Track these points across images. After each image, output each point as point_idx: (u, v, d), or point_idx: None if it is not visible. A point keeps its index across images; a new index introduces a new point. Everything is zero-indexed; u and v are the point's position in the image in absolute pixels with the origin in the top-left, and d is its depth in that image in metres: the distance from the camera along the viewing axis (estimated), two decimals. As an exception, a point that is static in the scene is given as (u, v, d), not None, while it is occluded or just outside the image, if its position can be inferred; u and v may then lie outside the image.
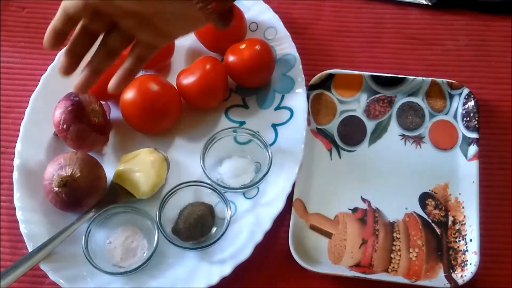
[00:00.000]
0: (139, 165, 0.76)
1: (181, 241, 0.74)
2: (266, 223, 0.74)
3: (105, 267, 0.72)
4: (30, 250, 0.72)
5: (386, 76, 0.83)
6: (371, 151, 0.81)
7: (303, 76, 0.83)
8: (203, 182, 0.76)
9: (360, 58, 0.88)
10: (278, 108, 0.83)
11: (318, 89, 0.84)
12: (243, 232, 0.75)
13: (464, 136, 0.81)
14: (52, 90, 0.82)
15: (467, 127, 0.81)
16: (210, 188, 0.76)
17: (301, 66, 0.83)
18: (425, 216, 0.77)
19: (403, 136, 0.82)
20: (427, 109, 0.83)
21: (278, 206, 0.75)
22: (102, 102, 0.81)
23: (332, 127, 0.83)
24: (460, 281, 0.71)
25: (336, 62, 0.87)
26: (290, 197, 0.76)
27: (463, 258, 0.73)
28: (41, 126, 0.80)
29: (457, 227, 0.76)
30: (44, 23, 0.89)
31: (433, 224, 0.76)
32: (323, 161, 0.80)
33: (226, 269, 0.72)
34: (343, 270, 0.73)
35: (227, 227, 0.74)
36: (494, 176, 0.79)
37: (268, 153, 0.77)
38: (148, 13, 0.60)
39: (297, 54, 0.84)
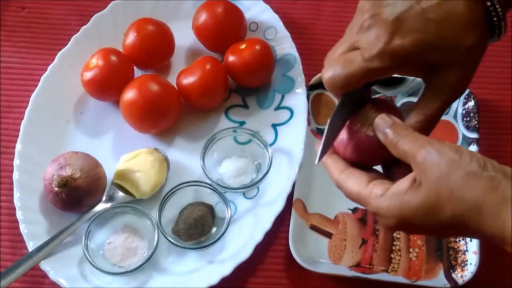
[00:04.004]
0: (139, 165, 0.76)
1: (181, 241, 0.74)
2: (266, 223, 0.74)
3: (105, 267, 0.72)
4: (30, 250, 0.73)
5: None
6: (371, 151, 0.81)
7: (303, 76, 0.83)
8: (203, 182, 0.76)
9: (360, 58, 0.88)
10: (278, 108, 0.83)
11: (318, 89, 0.84)
12: (243, 232, 0.75)
13: (464, 136, 0.81)
14: (52, 90, 0.82)
15: (467, 127, 0.81)
16: (210, 188, 0.76)
17: (301, 66, 0.83)
18: (425, 216, 0.77)
19: (403, 136, 0.82)
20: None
21: (278, 206, 0.75)
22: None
23: (332, 127, 0.83)
24: (460, 281, 0.71)
25: (336, 62, 0.87)
26: (290, 197, 0.76)
27: (463, 258, 0.73)
28: (41, 126, 0.80)
29: (457, 227, 0.76)
30: (44, 23, 0.90)
31: (433, 224, 0.76)
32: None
33: (226, 269, 0.72)
34: (343, 270, 0.73)
35: (227, 227, 0.74)
36: (494, 176, 0.79)
37: (268, 153, 0.77)
38: None
39: (297, 54, 0.84)
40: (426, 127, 0.56)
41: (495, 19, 0.54)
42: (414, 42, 0.53)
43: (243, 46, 0.81)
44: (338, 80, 0.57)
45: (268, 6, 0.87)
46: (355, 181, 0.55)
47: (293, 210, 0.76)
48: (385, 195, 0.53)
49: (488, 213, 0.48)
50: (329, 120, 0.57)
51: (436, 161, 0.50)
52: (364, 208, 0.77)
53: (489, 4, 0.54)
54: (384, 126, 0.55)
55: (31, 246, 0.73)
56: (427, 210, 0.50)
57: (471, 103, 0.81)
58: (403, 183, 0.52)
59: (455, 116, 0.82)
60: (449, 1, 0.54)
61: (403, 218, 0.52)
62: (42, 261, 0.72)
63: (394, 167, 0.56)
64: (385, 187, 0.53)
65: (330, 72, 0.57)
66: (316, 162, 0.57)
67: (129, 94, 0.78)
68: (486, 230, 0.48)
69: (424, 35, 0.53)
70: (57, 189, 0.72)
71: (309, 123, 0.81)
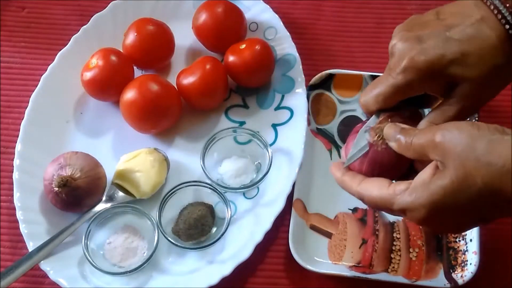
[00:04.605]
0: (139, 165, 0.76)
1: (181, 241, 0.74)
2: (266, 223, 0.74)
3: (105, 267, 0.72)
4: (30, 250, 0.73)
5: (386, 76, 0.83)
6: (371, 151, 0.81)
7: (303, 76, 0.83)
8: (203, 182, 0.76)
9: (360, 58, 0.88)
10: (278, 108, 0.83)
11: (318, 89, 0.84)
12: (243, 232, 0.75)
13: (464, 136, 0.81)
14: (52, 90, 0.82)
15: (467, 127, 0.81)
16: (210, 188, 0.76)
17: (301, 66, 0.83)
18: (425, 216, 0.77)
19: (403, 136, 0.82)
20: (427, 109, 0.83)
21: (278, 206, 0.75)
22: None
23: (332, 127, 0.83)
24: (460, 281, 0.71)
25: (336, 62, 0.87)
26: (290, 197, 0.76)
27: (463, 258, 0.73)
28: (41, 126, 0.80)
29: (457, 227, 0.76)
30: (44, 23, 0.90)
31: (433, 224, 0.76)
32: (323, 161, 0.80)
33: (226, 269, 0.72)
34: (343, 270, 0.73)
35: (227, 227, 0.74)
36: (494, 176, 0.79)
37: (268, 153, 0.77)
38: None
39: (297, 54, 0.84)
40: None
41: None
42: (436, 57, 0.56)
43: (243, 46, 0.81)
44: (369, 101, 0.60)
45: (268, 6, 0.87)
46: (376, 185, 0.56)
47: (293, 210, 0.76)
48: (409, 188, 0.53)
49: None
50: (359, 132, 0.60)
51: (456, 136, 0.50)
52: (365, 208, 0.77)
53: (508, 27, 0.56)
54: (394, 134, 0.56)
55: (31, 246, 0.73)
56: (457, 186, 0.50)
57: (471, 103, 0.81)
58: (426, 172, 0.52)
59: (455, 116, 0.82)
60: (474, 26, 0.56)
61: (433, 205, 0.51)
62: (42, 261, 0.72)
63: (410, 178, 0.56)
64: (408, 182, 0.53)
65: (364, 96, 0.61)
66: (344, 165, 0.60)
67: (129, 94, 0.78)
68: None
69: (445, 50, 0.56)
70: (57, 189, 0.72)
71: (309, 123, 0.81)
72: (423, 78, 0.57)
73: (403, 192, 0.53)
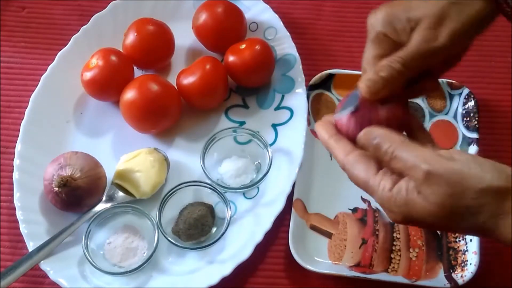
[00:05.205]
0: (139, 165, 0.76)
1: (181, 241, 0.74)
2: (266, 223, 0.74)
3: (105, 267, 0.72)
4: (30, 250, 0.73)
5: (386, 76, 0.83)
6: (371, 151, 0.81)
7: (303, 76, 0.83)
8: (203, 182, 0.76)
9: (360, 58, 0.87)
10: (278, 108, 0.83)
11: (318, 89, 0.84)
12: (243, 232, 0.75)
13: (464, 136, 0.81)
14: (52, 90, 0.82)
15: (467, 127, 0.81)
16: (210, 188, 0.76)
17: (301, 66, 0.83)
18: (425, 216, 0.77)
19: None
20: (427, 109, 0.83)
21: (278, 206, 0.75)
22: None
23: (332, 127, 0.83)
24: (460, 281, 0.71)
25: (336, 62, 0.87)
26: (290, 197, 0.76)
27: (463, 258, 0.73)
28: (41, 126, 0.80)
29: (457, 227, 0.76)
30: (44, 23, 0.90)
31: (433, 224, 0.76)
32: (323, 161, 0.80)
33: (226, 269, 0.72)
34: (343, 270, 0.73)
35: (227, 227, 0.74)
36: (494, 176, 0.79)
37: (268, 153, 0.77)
38: None
39: (297, 54, 0.84)
40: (391, 71, 0.57)
41: None
42: (396, 5, 0.59)
43: (243, 46, 0.81)
44: (362, 68, 0.62)
45: (268, 6, 0.87)
46: (363, 167, 0.54)
47: (293, 210, 0.76)
48: (392, 193, 0.52)
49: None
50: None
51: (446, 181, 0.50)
52: (365, 208, 0.77)
53: None
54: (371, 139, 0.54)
55: (31, 246, 0.73)
56: (440, 213, 0.50)
57: (471, 103, 0.81)
58: (411, 182, 0.51)
59: (455, 116, 0.82)
60: None
61: (408, 218, 0.52)
62: (42, 261, 0.72)
63: None
64: (393, 181, 0.52)
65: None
66: (334, 116, 0.59)
67: (129, 94, 0.78)
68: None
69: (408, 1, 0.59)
70: (57, 189, 0.72)
71: (309, 123, 0.81)
72: (384, 24, 0.59)
73: (387, 191, 0.52)
